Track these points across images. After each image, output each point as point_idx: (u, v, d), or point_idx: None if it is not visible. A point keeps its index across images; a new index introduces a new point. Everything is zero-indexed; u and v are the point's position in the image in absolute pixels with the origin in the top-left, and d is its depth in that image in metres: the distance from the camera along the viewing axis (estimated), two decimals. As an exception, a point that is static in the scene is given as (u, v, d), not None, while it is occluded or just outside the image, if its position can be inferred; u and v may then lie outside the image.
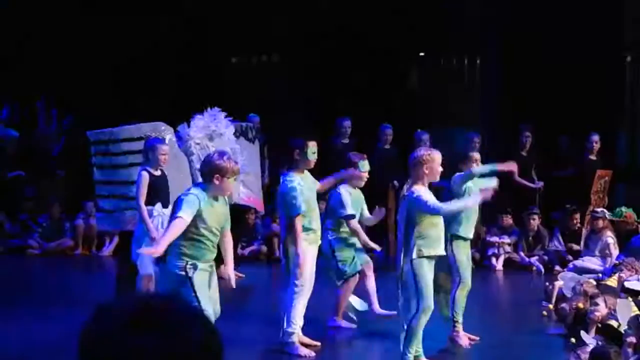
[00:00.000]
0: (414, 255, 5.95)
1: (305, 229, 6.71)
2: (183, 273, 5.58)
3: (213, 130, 8.83)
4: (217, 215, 5.71)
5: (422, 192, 5.98)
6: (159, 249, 5.55)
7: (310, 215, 6.75)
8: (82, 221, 12.02)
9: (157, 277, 5.76)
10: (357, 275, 7.59)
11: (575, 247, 11.18)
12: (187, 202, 5.52)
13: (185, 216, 5.49)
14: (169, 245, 5.57)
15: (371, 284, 7.78)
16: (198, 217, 5.56)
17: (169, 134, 8.62)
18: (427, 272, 6.00)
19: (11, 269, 11.24)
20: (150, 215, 7.67)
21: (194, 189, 5.68)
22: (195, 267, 5.59)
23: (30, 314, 7.97)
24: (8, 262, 11.52)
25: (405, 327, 5.99)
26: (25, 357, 6.56)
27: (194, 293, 5.55)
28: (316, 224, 6.83)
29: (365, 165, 7.75)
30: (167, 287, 5.70)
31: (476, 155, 7.42)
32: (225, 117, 8.99)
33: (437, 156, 6.13)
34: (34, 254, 11.85)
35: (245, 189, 9.32)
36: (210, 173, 5.56)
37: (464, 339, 7.02)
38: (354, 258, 7.55)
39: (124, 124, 8.86)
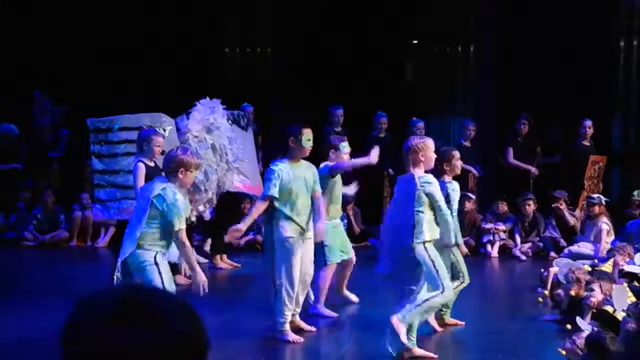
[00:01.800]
0: (427, 237, 6.03)
1: (286, 217, 6.63)
2: (151, 260, 5.77)
3: (211, 123, 8.82)
4: (186, 205, 6.03)
5: (432, 178, 6.10)
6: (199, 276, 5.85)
7: (293, 205, 6.62)
8: (78, 212, 12.00)
9: (119, 266, 5.86)
10: (335, 265, 7.67)
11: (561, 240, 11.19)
12: (180, 208, 5.75)
13: (184, 226, 5.80)
14: (145, 235, 5.77)
15: (347, 273, 8.05)
16: None
17: (169, 126, 8.60)
18: (437, 253, 6.10)
19: (6, 261, 11.23)
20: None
21: (169, 187, 5.79)
22: (163, 255, 5.84)
23: (26, 306, 7.97)
24: (3, 254, 11.51)
25: (421, 299, 6.00)
26: (21, 348, 6.56)
27: (161, 280, 5.75)
28: (299, 217, 6.64)
29: (346, 147, 7.76)
30: (133, 275, 5.88)
31: (457, 154, 7.17)
32: (222, 106, 8.98)
33: (430, 143, 6.21)
34: (29, 246, 11.83)
35: (241, 175, 9.31)
36: (175, 167, 5.84)
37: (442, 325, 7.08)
38: (338, 247, 7.63)
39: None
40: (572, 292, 7.23)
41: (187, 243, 5.81)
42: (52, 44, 13.50)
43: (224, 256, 10.29)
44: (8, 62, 13.47)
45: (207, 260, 10.24)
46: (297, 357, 6.73)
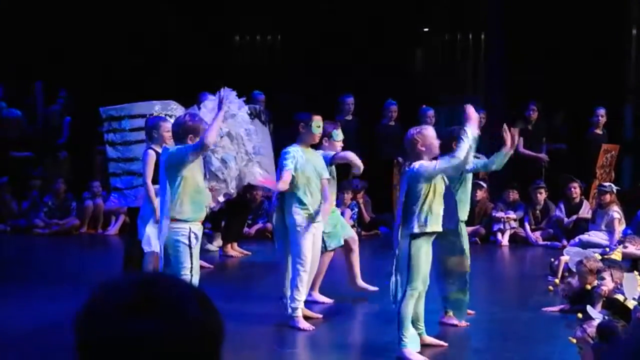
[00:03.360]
0: (416, 230, 5.80)
1: (300, 202, 6.71)
2: (186, 242, 5.82)
3: (225, 111, 8.81)
4: (201, 173, 6.14)
5: (417, 166, 5.85)
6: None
7: (305, 189, 6.72)
8: (89, 201, 12.03)
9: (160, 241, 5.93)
10: (333, 251, 7.64)
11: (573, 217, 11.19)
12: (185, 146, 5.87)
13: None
14: (173, 207, 5.83)
15: (355, 258, 7.89)
16: (193, 173, 5.93)
17: (180, 113, 8.60)
18: (423, 252, 5.84)
19: (17, 248, 11.28)
20: (158, 194, 7.72)
21: (171, 147, 5.95)
22: (196, 238, 5.87)
23: (37, 293, 8.00)
24: (14, 241, 11.56)
25: (398, 311, 5.89)
26: (32, 335, 6.59)
27: (191, 264, 5.80)
28: (312, 202, 6.74)
29: (339, 135, 7.68)
30: (167, 250, 5.93)
31: None
32: (238, 97, 8.96)
33: (428, 132, 6.00)
34: (40, 233, 11.87)
35: (262, 169, 9.29)
36: (184, 134, 5.91)
37: (456, 321, 6.91)
38: (337, 233, 7.60)
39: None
40: (588, 286, 7.20)
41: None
42: (59, 30, 13.50)
43: (235, 244, 10.31)
44: (13, 51, 13.49)
45: (217, 248, 10.25)
46: (308, 344, 6.74)
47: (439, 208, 5.90)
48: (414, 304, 5.92)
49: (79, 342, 1.34)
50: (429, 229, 5.84)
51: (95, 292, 1.37)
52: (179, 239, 5.85)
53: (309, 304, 7.39)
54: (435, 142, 5.97)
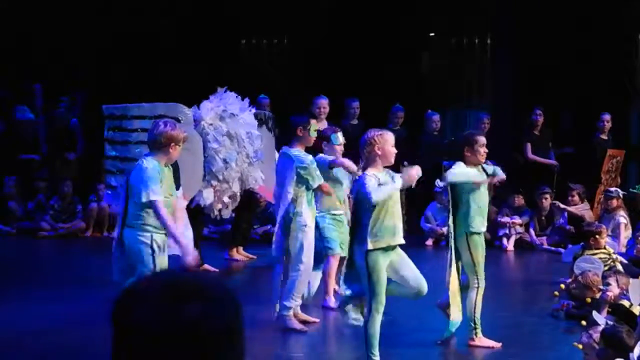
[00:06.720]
0: (370, 246, 5.53)
1: (309, 203, 6.77)
2: (149, 251, 5.71)
3: (223, 110, 8.81)
4: (170, 182, 5.90)
5: (368, 178, 5.52)
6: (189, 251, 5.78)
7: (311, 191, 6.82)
8: (95, 204, 12.04)
9: (118, 254, 5.87)
10: (339, 256, 7.44)
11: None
12: (152, 180, 5.66)
13: (160, 197, 5.67)
14: (130, 217, 5.75)
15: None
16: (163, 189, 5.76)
17: (188, 114, 8.60)
18: (381, 267, 5.58)
19: (23, 251, 11.28)
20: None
21: (149, 161, 5.73)
22: (159, 247, 5.73)
23: (43, 296, 8.01)
24: (20, 244, 11.57)
25: (364, 331, 5.69)
26: (37, 337, 6.59)
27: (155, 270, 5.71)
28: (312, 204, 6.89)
29: (337, 139, 7.57)
30: (128, 263, 5.82)
31: (482, 140, 6.49)
32: (237, 97, 8.94)
33: (389, 137, 5.72)
34: (46, 236, 11.88)
35: (262, 175, 9.27)
36: (166, 142, 5.73)
37: (487, 342, 6.57)
38: (337, 238, 7.45)
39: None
40: (588, 300, 7.19)
41: (165, 215, 5.64)
42: (67, 33, 13.53)
43: (240, 248, 10.31)
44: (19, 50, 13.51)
45: None
46: (311, 347, 6.73)
47: (392, 219, 5.59)
48: None
49: (121, 329, 1.38)
50: (382, 244, 5.57)
51: (131, 287, 1.42)
52: (142, 247, 5.74)
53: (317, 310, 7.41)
54: (393, 150, 5.68)
